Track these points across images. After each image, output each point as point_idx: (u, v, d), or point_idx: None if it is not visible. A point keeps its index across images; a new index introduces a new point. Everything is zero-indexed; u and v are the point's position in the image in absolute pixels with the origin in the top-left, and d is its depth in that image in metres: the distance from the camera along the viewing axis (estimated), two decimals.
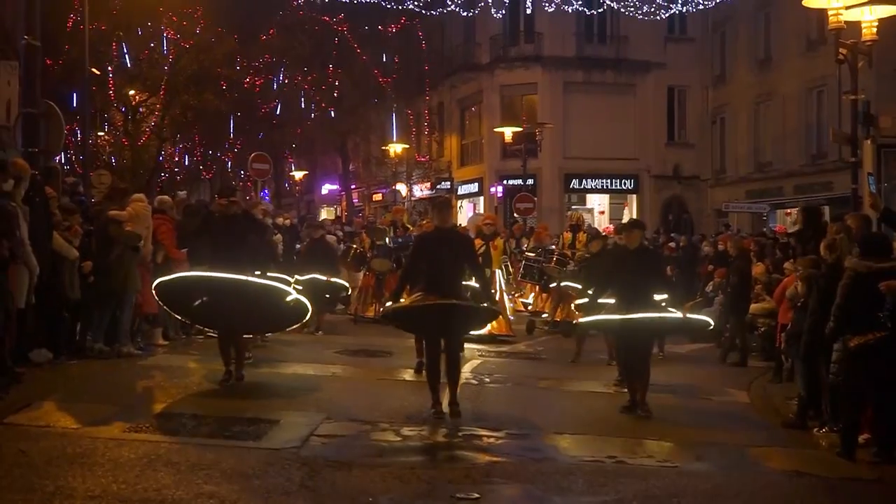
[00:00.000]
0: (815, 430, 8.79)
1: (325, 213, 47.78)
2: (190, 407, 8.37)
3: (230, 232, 9.49)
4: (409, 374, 10.97)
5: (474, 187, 35.98)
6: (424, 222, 19.25)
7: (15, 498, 5.53)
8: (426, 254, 8.67)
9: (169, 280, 9.69)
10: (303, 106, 37.56)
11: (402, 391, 9.98)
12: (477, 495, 6.08)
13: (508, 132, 30.24)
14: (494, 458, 7.24)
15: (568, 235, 16.60)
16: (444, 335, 8.52)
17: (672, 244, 21.10)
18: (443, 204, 9.15)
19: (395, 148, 37.13)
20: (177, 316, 10.93)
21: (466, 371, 10.37)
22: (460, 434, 8.04)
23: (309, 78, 35.53)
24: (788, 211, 28.85)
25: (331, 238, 21.49)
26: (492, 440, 7.87)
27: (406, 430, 8.16)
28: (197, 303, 9.54)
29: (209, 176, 45.71)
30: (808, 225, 11.45)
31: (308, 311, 9.63)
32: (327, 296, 15.33)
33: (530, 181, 30.67)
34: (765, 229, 24.84)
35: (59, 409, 7.90)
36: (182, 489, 5.90)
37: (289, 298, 9.32)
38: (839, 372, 7.91)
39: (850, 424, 7.86)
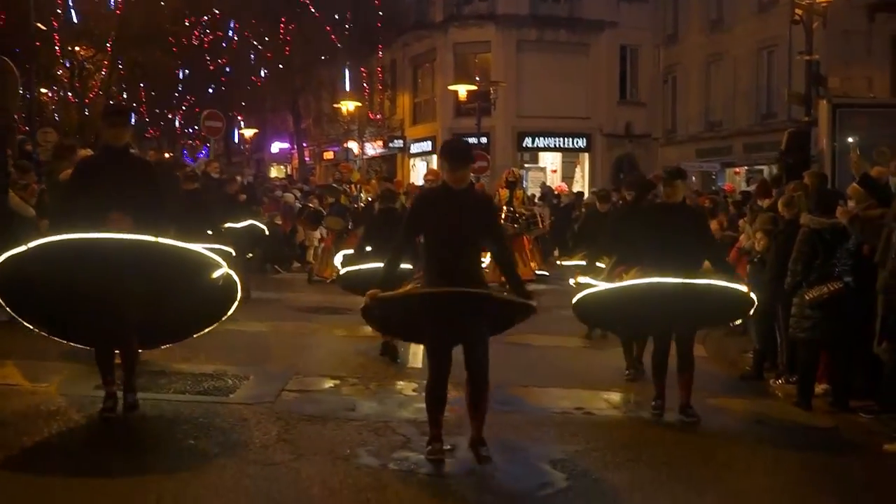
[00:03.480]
0: (772, 381, 9.06)
1: (276, 172, 47.45)
2: (157, 364, 8.36)
3: (122, 181, 6.27)
4: (370, 331, 10.96)
5: (427, 146, 35.92)
6: (373, 181, 19.21)
7: None
8: (429, 223, 5.97)
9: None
10: (253, 63, 37.13)
11: (366, 347, 10.04)
12: (449, 446, 6.19)
13: (462, 90, 30.19)
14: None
15: (505, 192, 16.53)
16: (462, 339, 5.86)
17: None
18: (458, 152, 5.98)
19: (348, 106, 36.86)
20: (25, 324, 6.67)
21: None
22: None
23: (259, 32, 35.10)
24: (737, 170, 29.31)
25: (289, 196, 21.48)
26: (461, 393, 7.98)
27: (374, 385, 8.27)
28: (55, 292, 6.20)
29: (157, 133, 45.12)
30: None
31: (238, 290, 6.81)
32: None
33: (484, 140, 30.71)
34: (713, 188, 25.26)
35: (26, 367, 7.84)
36: (163, 443, 5.95)
37: (217, 273, 6.37)
38: (796, 324, 8.15)
39: (807, 375, 8.13)
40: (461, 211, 5.83)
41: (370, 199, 12.25)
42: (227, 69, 37.31)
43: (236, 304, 6.84)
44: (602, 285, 8.09)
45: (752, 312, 7.87)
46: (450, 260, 5.83)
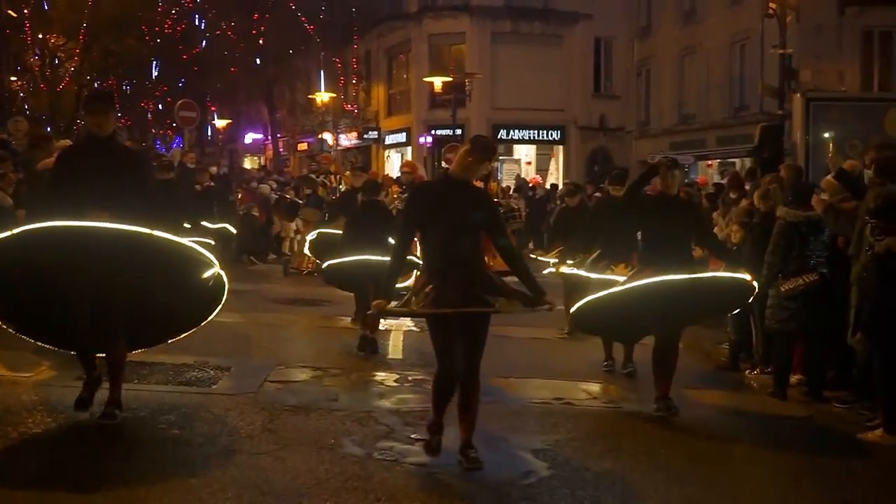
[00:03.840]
0: (747, 372, 9.20)
1: (249, 163, 47.27)
2: (136, 355, 8.32)
3: (108, 171, 5.91)
4: (349, 322, 11.00)
5: (402, 137, 35.89)
6: (347, 173, 19.15)
7: None
8: (431, 214, 5.69)
9: None
10: (226, 53, 36.89)
11: (346, 338, 10.07)
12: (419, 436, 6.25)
13: (438, 82, 30.20)
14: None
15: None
16: (466, 341, 5.69)
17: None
18: (483, 152, 5.77)
19: (322, 96, 36.77)
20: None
21: (408, 320, 10.32)
22: (410, 379, 8.22)
23: (233, 23, 34.90)
24: (710, 163, 29.54)
25: (264, 187, 21.42)
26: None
27: (355, 376, 8.32)
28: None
29: (128, 123, 44.77)
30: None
31: (225, 292, 6.41)
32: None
33: (458, 132, 30.74)
34: (686, 181, 25.45)
35: (6, 357, 7.80)
36: (146, 433, 5.97)
37: (208, 273, 6.01)
38: (772, 316, 8.27)
39: (783, 366, 8.26)
40: (463, 202, 5.68)
41: (350, 187, 12.09)
42: (201, 59, 37.05)
43: (220, 306, 6.44)
44: (603, 292, 7.36)
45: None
46: (454, 252, 5.59)
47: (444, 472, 5.56)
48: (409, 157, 34.46)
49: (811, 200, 8.15)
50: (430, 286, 5.56)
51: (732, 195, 11.34)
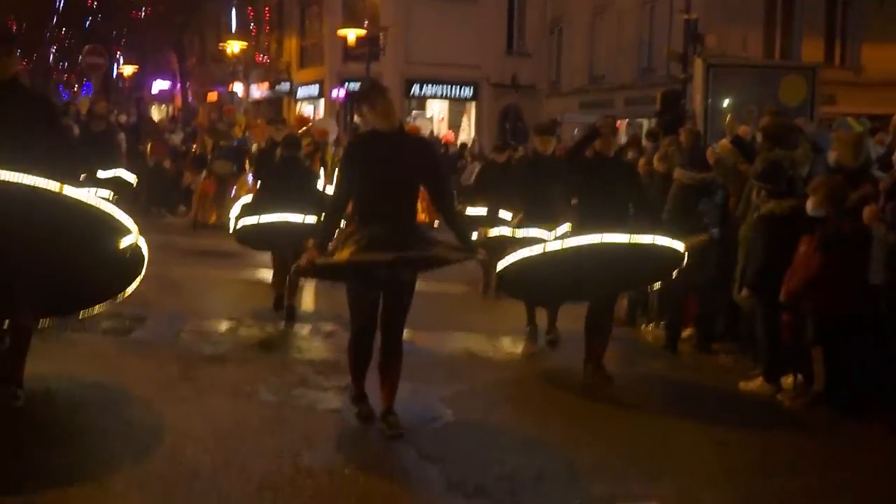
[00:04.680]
0: (644, 326, 9.71)
1: (157, 112, 46.32)
2: None
3: (12, 119, 5.36)
4: (262, 275, 11.09)
5: (314, 90, 35.67)
6: (259, 122, 18.99)
7: None
8: (364, 171, 5.55)
9: None
10: None
11: (258, 291, 10.22)
12: (342, 384, 6.53)
13: (352, 34, 30.09)
14: None
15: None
16: (387, 295, 5.58)
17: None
18: (378, 92, 5.64)
19: (233, 46, 36.25)
20: None
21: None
22: (322, 331, 8.49)
23: None
24: (618, 123, 30.18)
25: (174, 138, 21.23)
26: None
27: (269, 328, 8.56)
28: None
29: (28, 67, 43.38)
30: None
31: (144, 265, 5.67)
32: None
33: None
34: None
35: None
36: (63, 379, 6.13)
37: (126, 241, 5.26)
38: None
39: (675, 321, 8.78)
40: (398, 154, 5.52)
41: (264, 144, 12.01)
42: (107, 1, 36.11)
43: (138, 280, 5.79)
44: (535, 248, 6.84)
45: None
46: (388, 207, 5.45)
47: (355, 416, 5.84)
48: (321, 110, 34.33)
49: (706, 165, 8.65)
50: (360, 236, 5.39)
51: (630, 154, 11.80)
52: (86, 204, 5.06)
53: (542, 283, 7.26)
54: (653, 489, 4.96)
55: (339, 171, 6.32)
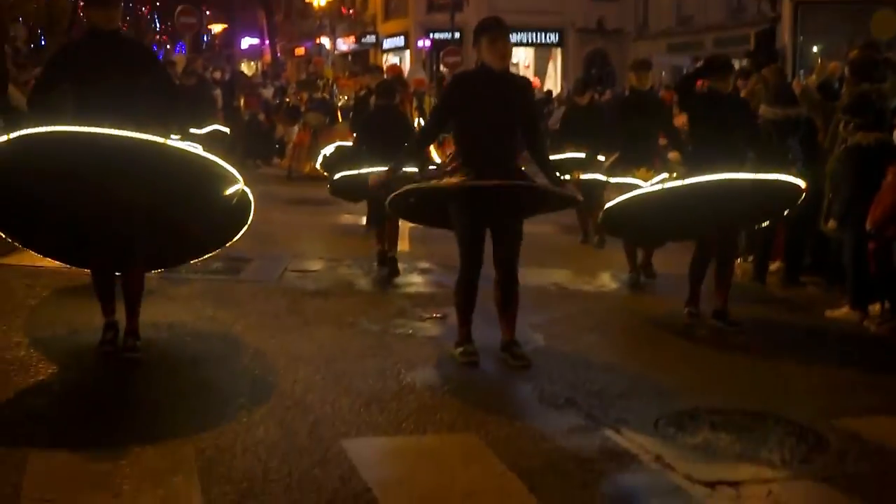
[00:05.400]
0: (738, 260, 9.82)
1: (246, 68, 47.22)
2: None
3: (117, 68, 5.24)
4: (358, 220, 11.46)
5: (400, 41, 35.99)
6: (345, 75, 19.32)
7: (43, 332, 6.02)
8: (465, 106, 5.60)
9: None
10: None
11: (354, 236, 10.70)
12: (439, 315, 6.93)
13: None
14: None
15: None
16: (496, 230, 5.68)
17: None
18: (503, 30, 5.63)
19: (319, 0, 36.73)
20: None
21: None
22: (418, 267, 8.88)
23: None
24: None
25: (266, 92, 21.81)
26: (448, 274, 8.66)
27: (367, 266, 8.96)
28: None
29: (124, 27, 44.62)
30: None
31: (251, 211, 5.89)
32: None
33: (457, 35, 30.88)
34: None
35: None
36: (184, 314, 6.64)
37: (232, 189, 5.45)
38: None
39: (762, 254, 8.91)
40: (505, 94, 5.59)
41: (362, 94, 12.22)
42: None
43: (246, 226, 6.00)
44: (654, 186, 7.05)
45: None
46: (492, 144, 5.53)
47: (452, 344, 6.19)
48: (407, 62, 34.61)
49: (792, 102, 8.70)
50: (468, 169, 5.49)
51: None
52: (192, 154, 5.21)
53: (649, 222, 7.18)
54: (736, 405, 5.19)
55: (438, 103, 6.34)
